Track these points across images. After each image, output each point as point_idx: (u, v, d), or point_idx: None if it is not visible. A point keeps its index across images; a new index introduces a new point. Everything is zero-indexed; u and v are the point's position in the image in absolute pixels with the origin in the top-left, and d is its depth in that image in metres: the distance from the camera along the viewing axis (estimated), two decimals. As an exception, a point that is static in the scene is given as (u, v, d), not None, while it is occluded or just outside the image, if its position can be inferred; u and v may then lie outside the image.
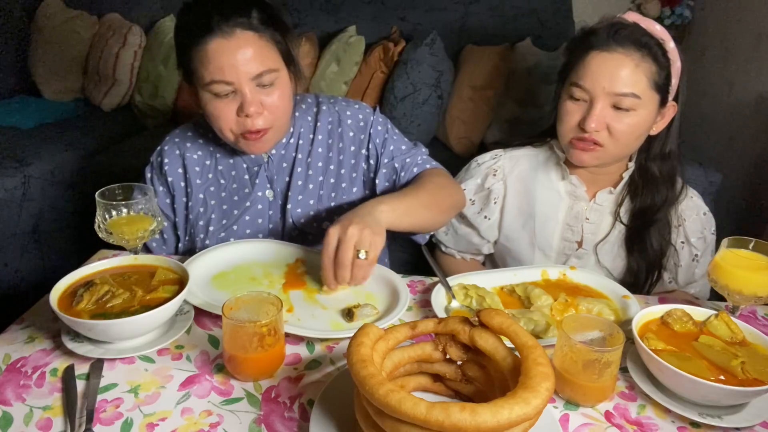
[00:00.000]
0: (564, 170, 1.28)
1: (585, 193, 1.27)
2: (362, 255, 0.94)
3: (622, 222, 1.26)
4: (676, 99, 1.19)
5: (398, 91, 2.25)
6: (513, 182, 1.32)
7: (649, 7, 2.75)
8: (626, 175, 1.25)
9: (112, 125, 2.63)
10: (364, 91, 2.39)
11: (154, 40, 2.68)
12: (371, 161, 1.24)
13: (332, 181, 1.24)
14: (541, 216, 1.30)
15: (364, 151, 1.24)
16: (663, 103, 1.16)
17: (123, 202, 1.02)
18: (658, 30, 1.14)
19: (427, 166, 1.24)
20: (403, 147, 1.25)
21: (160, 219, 1.05)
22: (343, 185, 1.24)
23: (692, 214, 1.25)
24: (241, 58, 1.03)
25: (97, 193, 1.01)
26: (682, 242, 1.25)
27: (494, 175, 1.33)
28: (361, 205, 1.01)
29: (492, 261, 1.44)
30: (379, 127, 1.25)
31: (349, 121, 1.24)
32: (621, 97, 1.11)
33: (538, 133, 1.36)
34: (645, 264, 1.24)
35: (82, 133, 2.50)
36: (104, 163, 2.35)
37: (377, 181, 1.24)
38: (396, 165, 1.22)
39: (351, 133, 1.24)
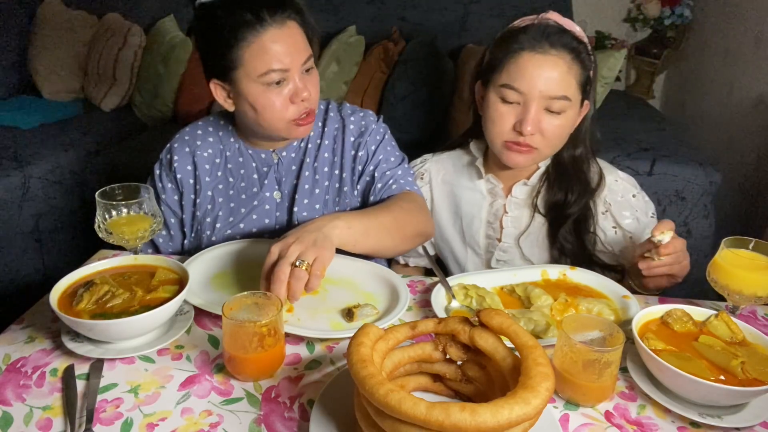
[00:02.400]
0: (480, 170, 1.29)
1: (501, 190, 1.28)
2: (301, 265, 0.89)
3: (540, 213, 1.26)
4: (589, 95, 1.20)
5: (398, 91, 2.25)
6: (438, 185, 1.35)
7: (649, 7, 2.75)
8: (542, 165, 1.26)
9: (112, 125, 2.63)
10: (364, 91, 2.39)
11: (154, 40, 2.68)
12: (359, 166, 1.25)
13: (336, 185, 1.26)
14: (467, 216, 1.32)
15: (360, 153, 1.25)
16: (582, 102, 1.18)
17: (123, 202, 1.02)
18: (578, 31, 1.16)
19: (407, 188, 1.23)
20: (392, 159, 1.26)
21: (159, 219, 1.06)
22: (345, 189, 1.25)
23: (617, 198, 1.24)
24: (294, 45, 1.09)
25: (97, 193, 1.01)
26: (614, 227, 1.25)
27: (421, 178, 1.36)
28: (315, 219, 0.98)
29: (438, 260, 1.44)
30: (377, 136, 1.26)
31: (352, 126, 1.26)
32: (554, 100, 1.12)
33: (461, 134, 1.37)
34: (570, 257, 1.24)
35: (82, 133, 2.50)
36: (104, 163, 2.35)
37: (358, 187, 1.25)
38: (376, 174, 1.23)
39: (352, 138, 1.26)
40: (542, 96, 1.11)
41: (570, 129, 1.18)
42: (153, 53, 2.66)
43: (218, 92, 1.15)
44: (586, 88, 1.17)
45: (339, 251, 0.98)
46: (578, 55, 1.13)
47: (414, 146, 2.30)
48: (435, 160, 1.37)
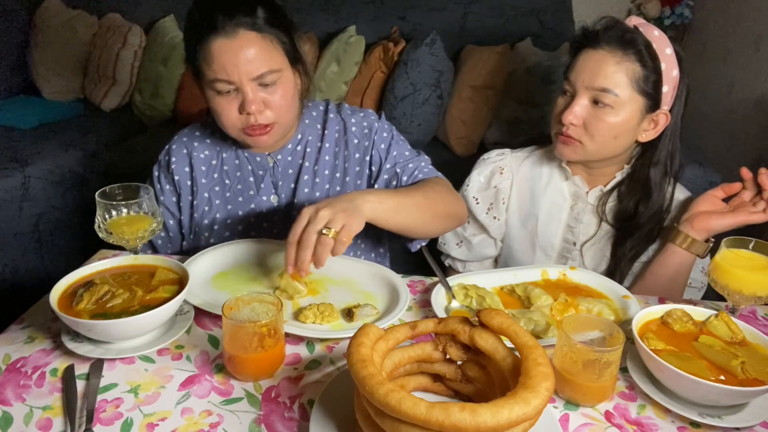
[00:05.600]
0: (567, 171, 1.28)
1: (586, 194, 1.27)
2: (327, 232, 0.91)
3: (607, 221, 1.26)
4: (672, 109, 1.18)
5: (398, 91, 2.25)
6: (518, 181, 1.34)
7: (649, 7, 2.75)
8: (619, 175, 1.25)
9: (112, 125, 2.63)
10: (364, 91, 2.39)
11: (154, 40, 2.68)
12: (373, 168, 1.24)
13: (338, 189, 1.25)
14: (545, 216, 1.30)
15: (367, 158, 1.24)
16: (652, 108, 1.16)
17: (123, 202, 1.02)
18: (655, 35, 1.14)
19: (433, 175, 1.24)
20: (407, 153, 1.25)
21: (159, 219, 1.05)
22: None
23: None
24: (243, 58, 1.04)
25: (97, 193, 1.01)
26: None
27: (501, 173, 1.33)
28: (348, 192, 1.00)
29: (495, 261, 1.44)
30: (384, 134, 1.25)
31: (354, 129, 1.24)
32: (599, 93, 1.13)
33: (544, 134, 1.36)
34: (617, 269, 1.25)
35: (82, 133, 2.50)
36: (104, 163, 2.35)
37: (376, 186, 1.24)
38: (398, 170, 1.22)
39: (356, 140, 1.24)
40: (587, 87, 1.14)
41: (624, 130, 1.16)
42: (153, 53, 2.66)
43: (198, 87, 1.15)
44: (652, 93, 1.14)
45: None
46: (634, 51, 1.12)
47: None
48: (515, 156, 1.35)
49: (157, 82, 2.62)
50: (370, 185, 1.25)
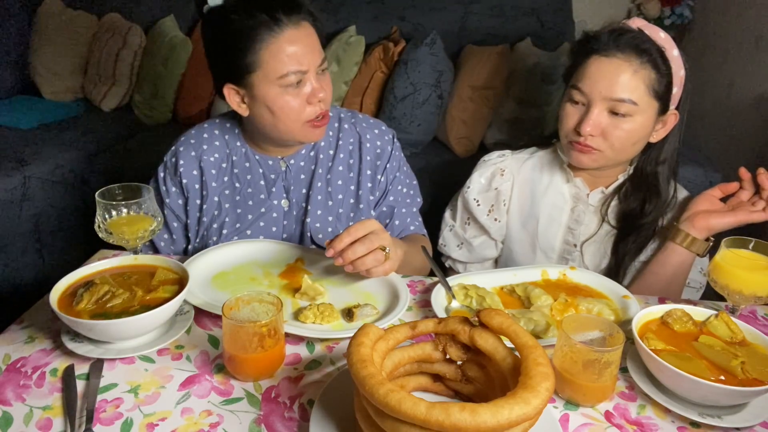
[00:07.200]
0: (568, 173, 1.28)
1: (587, 196, 1.27)
2: (387, 251, 0.98)
3: (609, 223, 1.26)
4: (678, 107, 1.18)
5: (398, 91, 2.24)
6: (519, 183, 1.33)
7: (649, 7, 2.75)
8: (622, 177, 1.25)
9: (112, 125, 2.63)
10: (364, 91, 2.39)
11: (154, 40, 2.68)
12: (378, 194, 1.27)
13: (351, 201, 1.26)
14: (545, 218, 1.30)
15: (379, 176, 1.27)
16: (663, 110, 1.16)
17: (123, 202, 1.02)
18: (662, 37, 1.14)
19: (421, 232, 1.33)
20: (404, 190, 1.31)
21: (160, 219, 1.05)
22: (361, 206, 1.25)
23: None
24: (311, 46, 1.09)
25: (97, 193, 1.01)
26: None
27: (502, 175, 1.33)
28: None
29: (496, 263, 1.44)
30: (395, 163, 1.28)
31: (368, 145, 1.26)
32: (618, 103, 1.11)
33: (545, 136, 1.36)
34: (621, 266, 1.25)
35: (82, 133, 2.50)
36: (104, 163, 2.35)
37: (373, 214, 1.27)
38: (395, 210, 1.28)
39: (368, 158, 1.26)
40: (604, 98, 1.12)
41: (641, 136, 1.16)
42: (153, 53, 2.66)
43: (232, 97, 1.13)
44: (665, 95, 1.14)
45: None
46: (649, 58, 1.11)
47: (414, 146, 2.32)
48: (516, 158, 1.35)
49: (157, 82, 2.62)
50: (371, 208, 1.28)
